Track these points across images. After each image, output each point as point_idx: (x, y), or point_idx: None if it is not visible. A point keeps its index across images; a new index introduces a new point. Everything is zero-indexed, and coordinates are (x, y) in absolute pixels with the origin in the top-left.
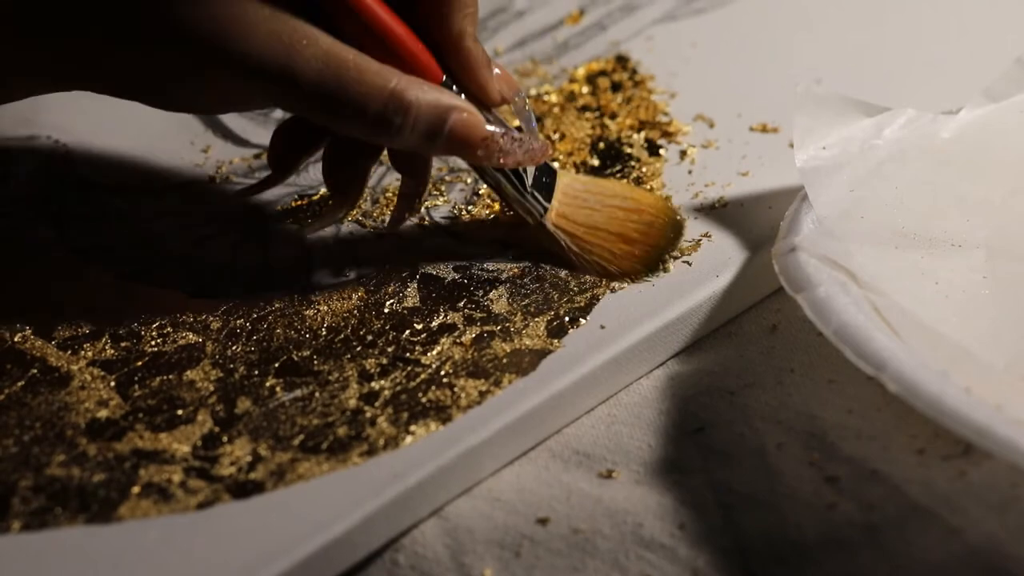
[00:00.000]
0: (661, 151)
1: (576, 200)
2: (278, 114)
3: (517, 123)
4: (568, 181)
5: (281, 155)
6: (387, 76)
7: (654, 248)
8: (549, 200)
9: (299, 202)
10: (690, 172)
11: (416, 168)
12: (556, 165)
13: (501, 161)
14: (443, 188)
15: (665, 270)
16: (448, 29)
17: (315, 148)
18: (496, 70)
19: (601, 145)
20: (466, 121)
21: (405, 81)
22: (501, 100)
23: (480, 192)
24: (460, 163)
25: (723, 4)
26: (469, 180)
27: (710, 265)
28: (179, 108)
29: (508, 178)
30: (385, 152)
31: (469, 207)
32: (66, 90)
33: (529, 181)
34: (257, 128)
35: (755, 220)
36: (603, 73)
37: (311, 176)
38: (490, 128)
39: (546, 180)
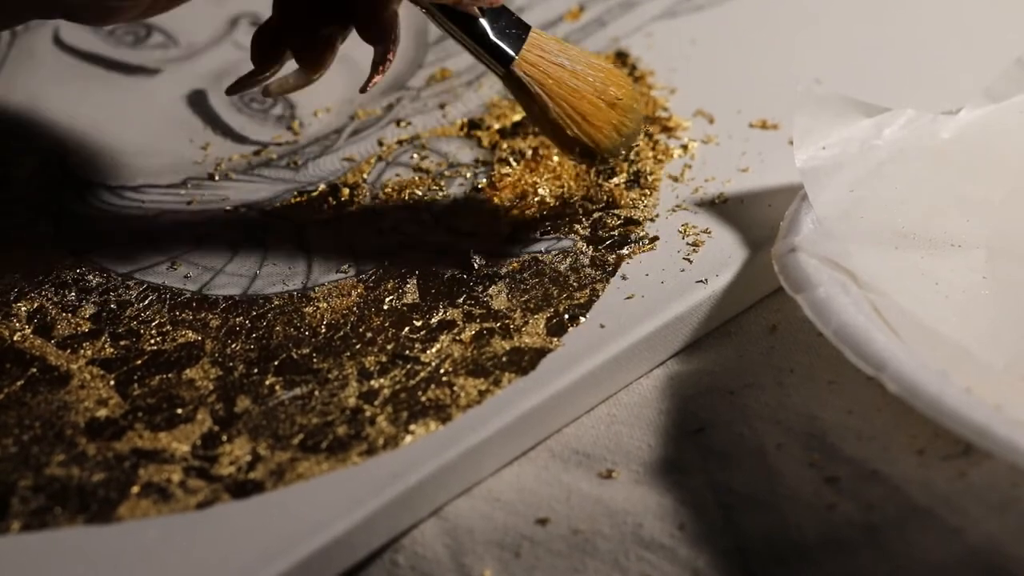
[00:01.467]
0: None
1: (549, 55)
2: (276, 111)
3: None
4: (544, 40)
5: (261, 52)
6: None
7: (618, 128)
8: (517, 51)
9: (298, 198)
10: (689, 167)
11: (383, 35)
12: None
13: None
14: (442, 183)
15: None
16: None
17: (293, 42)
18: None
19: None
20: None
21: None
22: None
23: (480, 186)
24: (460, 158)
25: (722, 0)
26: (468, 175)
27: (710, 264)
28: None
29: (465, 26)
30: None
31: (474, 193)
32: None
33: (491, 32)
34: (256, 125)
35: (755, 218)
36: None
37: (310, 173)
38: None
39: (514, 31)
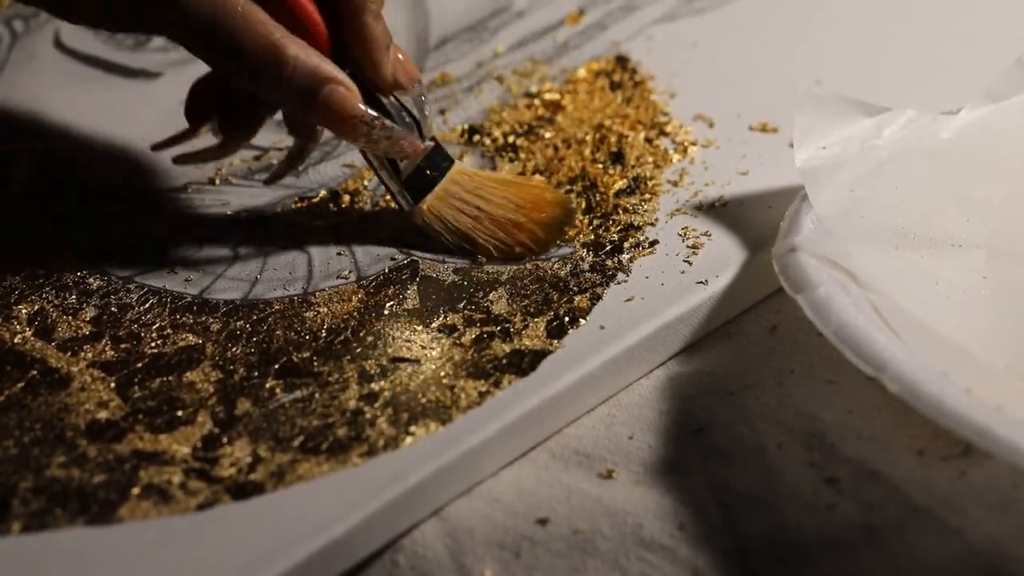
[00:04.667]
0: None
1: (456, 193)
2: (276, 117)
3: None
4: (459, 178)
5: (195, 109)
6: (271, 29)
7: (545, 229)
8: (425, 194)
9: (299, 204)
10: (687, 172)
11: (303, 130)
12: (458, 162)
13: (365, 145)
14: None
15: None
16: (350, 2)
17: (224, 102)
18: (399, 55)
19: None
20: (340, 95)
21: (289, 39)
22: (394, 83)
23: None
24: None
25: (723, 4)
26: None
27: (710, 265)
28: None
29: (383, 165)
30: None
31: None
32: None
33: (402, 174)
34: None
35: (755, 220)
36: (603, 73)
37: (311, 178)
38: (362, 108)
39: (430, 173)
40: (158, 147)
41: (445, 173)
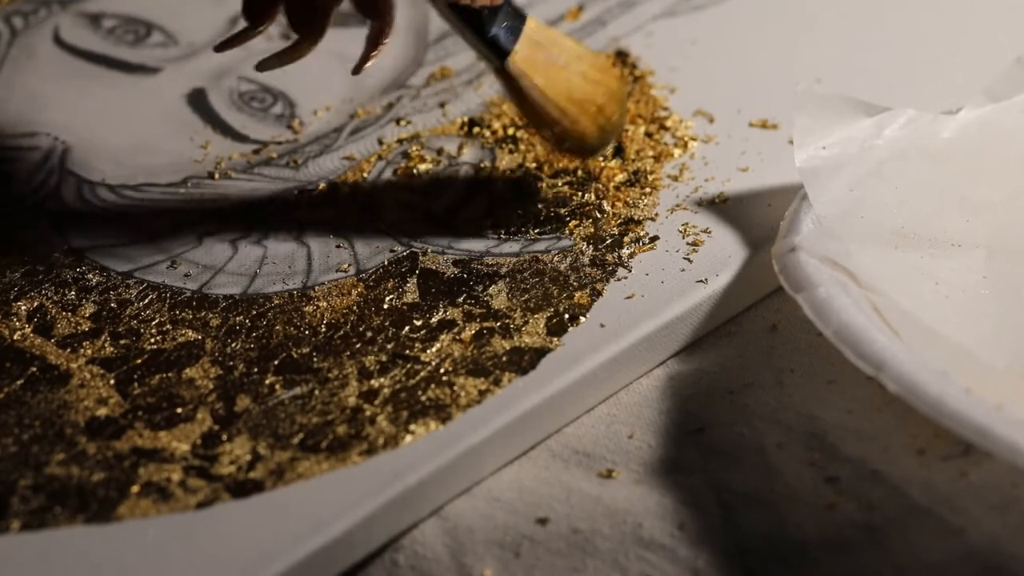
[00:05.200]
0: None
1: (542, 51)
2: (277, 109)
3: None
4: (539, 34)
5: (255, 5)
6: None
7: (604, 124)
8: (512, 45)
9: (298, 197)
10: (688, 167)
11: (379, 10)
12: (528, 15)
13: None
14: (443, 181)
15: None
16: None
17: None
18: None
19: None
20: None
21: None
22: None
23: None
24: (462, 156)
25: (722, 0)
26: (471, 171)
27: (710, 263)
28: None
29: (468, 19)
30: None
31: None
32: None
33: (489, 27)
34: (256, 124)
35: (755, 218)
36: None
37: (310, 171)
38: None
39: (512, 24)
40: (221, 47)
41: (523, 24)
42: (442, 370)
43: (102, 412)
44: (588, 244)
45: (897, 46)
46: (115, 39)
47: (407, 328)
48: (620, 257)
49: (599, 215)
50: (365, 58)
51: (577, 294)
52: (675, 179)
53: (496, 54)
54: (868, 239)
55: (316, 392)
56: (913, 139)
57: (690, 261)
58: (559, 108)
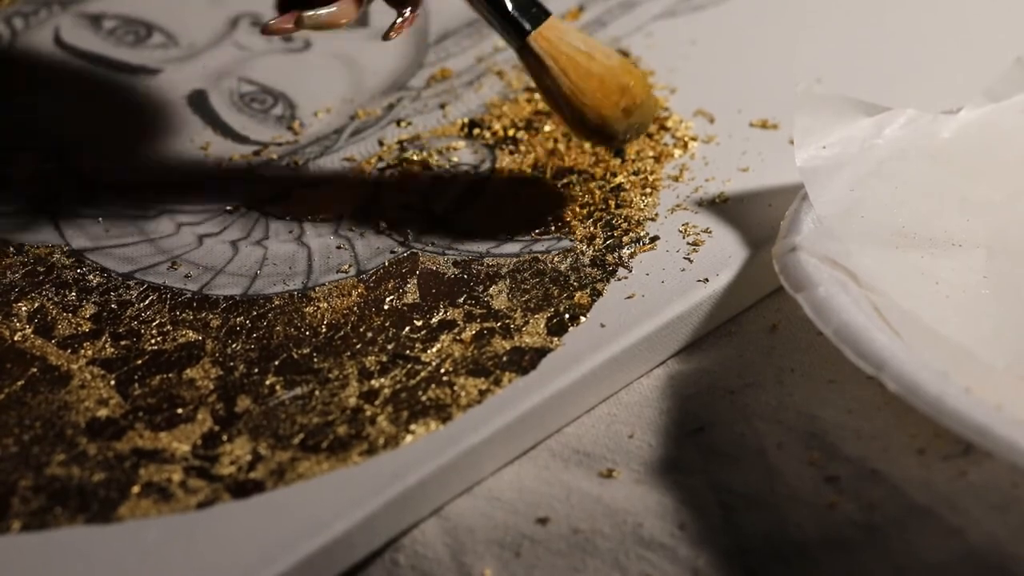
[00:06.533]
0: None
1: (566, 36)
2: (277, 111)
3: None
4: (563, 26)
5: None
6: None
7: (627, 112)
8: (534, 26)
9: (299, 196)
10: (688, 168)
11: None
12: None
13: None
14: (444, 182)
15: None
16: None
17: None
18: None
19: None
20: None
21: None
22: None
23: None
24: (463, 158)
25: (722, 1)
26: (471, 172)
27: (710, 263)
28: None
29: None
30: None
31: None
32: None
33: (510, 5)
34: (256, 125)
35: (755, 218)
36: None
37: (311, 173)
38: None
39: (535, 11)
40: (266, 31)
41: (546, 16)
42: (442, 370)
43: (103, 413)
44: (588, 244)
45: (897, 46)
46: (115, 40)
47: (407, 328)
48: (620, 257)
49: (600, 215)
50: (394, 25)
51: (577, 294)
52: (675, 179)
53: (516, 31)
54: (868, 239)
55: (316, 392)
56: (913, 139)
57: (690, 261)
58: (579, 87)
